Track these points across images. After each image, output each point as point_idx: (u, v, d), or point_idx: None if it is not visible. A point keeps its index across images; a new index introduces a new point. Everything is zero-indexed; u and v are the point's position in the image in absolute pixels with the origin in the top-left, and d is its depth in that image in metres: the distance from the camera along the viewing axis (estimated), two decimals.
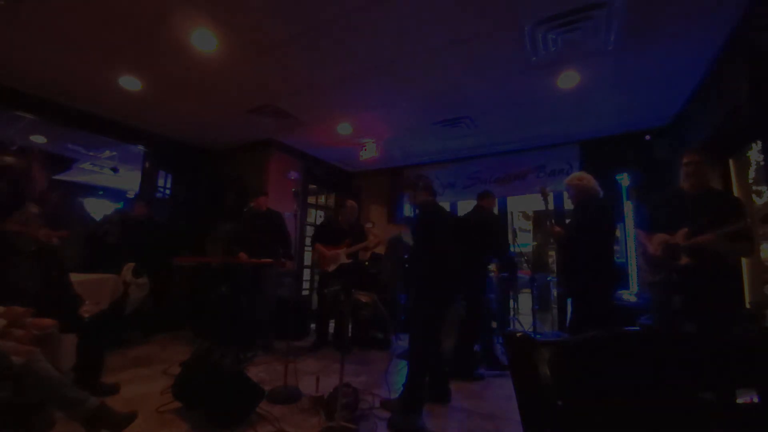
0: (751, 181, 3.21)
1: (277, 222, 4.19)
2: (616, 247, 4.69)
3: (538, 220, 6.81)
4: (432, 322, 2.49)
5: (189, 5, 2.64)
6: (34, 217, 2.34)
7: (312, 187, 6.33)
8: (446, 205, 5.68)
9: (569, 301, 3.22)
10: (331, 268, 3.97)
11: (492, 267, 5.55)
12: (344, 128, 4.85)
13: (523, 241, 5.81)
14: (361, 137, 5.18)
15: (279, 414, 2.33)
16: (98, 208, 7.13)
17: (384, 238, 4.37)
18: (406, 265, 2.58)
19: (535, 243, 7.07)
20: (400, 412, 2.34)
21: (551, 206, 3.42)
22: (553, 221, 3.05)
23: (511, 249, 4.44)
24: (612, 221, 2.86)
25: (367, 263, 4.80)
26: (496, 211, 4.15)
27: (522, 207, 6.22)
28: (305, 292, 5.98)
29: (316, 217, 6.50)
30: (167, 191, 5.61)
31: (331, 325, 4.26)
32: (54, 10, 2.73)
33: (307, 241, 6.10)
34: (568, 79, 3.47)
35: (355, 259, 4.06)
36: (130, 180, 6.75)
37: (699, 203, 2.26)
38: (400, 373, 3.30)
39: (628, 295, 4.02)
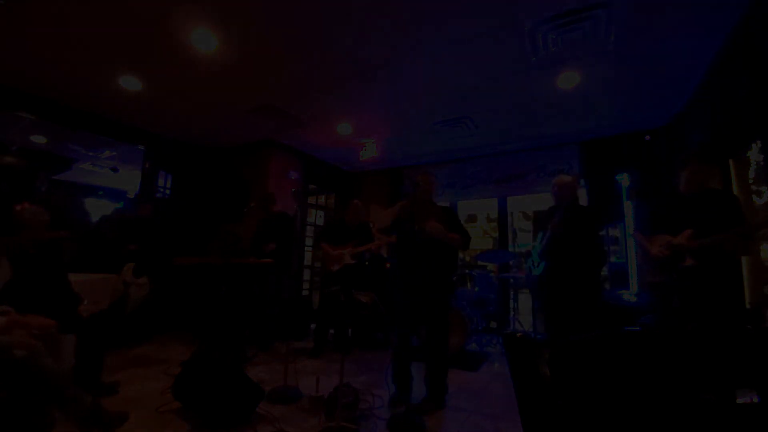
0: (751, 181, 3.20)
1: (281, 226, 4.19)
2: (615, 248, 4.69)
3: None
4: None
5: (189, 5, 2.64)
6: (32, 219, 2.33)
7: (312, 187, 6.33)
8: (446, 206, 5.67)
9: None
10: (335, 268, 3.96)
11: (492, 267, 5.55)
12: (344, 128, 4.85)
13: (523, 241, 5.81)
14: (361, 137, 5.18)
15: (279, 414, 2.33)
16: (98, 208, 7.11)
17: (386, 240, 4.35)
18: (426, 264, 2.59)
19: (534, 243, 7.04)
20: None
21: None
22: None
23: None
24: (598, 224, 2.92)
25: (367, 263, 4.79)
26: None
27: (522, 207, 6.22)
28: (305, 292, 5.98)
29: (316, 217, 6.50)
30: (167, 191, 5.61)
31: None
32: (54, 10, 2.73)
33: (308, 241, 6.11)
34: (568, 79, 3.47)
35: (359, 260, 4.05)
36: (130, 180, 6.74)
37: (698, 204, 2.27)
38: None
39: (628, 295, 4.01)
